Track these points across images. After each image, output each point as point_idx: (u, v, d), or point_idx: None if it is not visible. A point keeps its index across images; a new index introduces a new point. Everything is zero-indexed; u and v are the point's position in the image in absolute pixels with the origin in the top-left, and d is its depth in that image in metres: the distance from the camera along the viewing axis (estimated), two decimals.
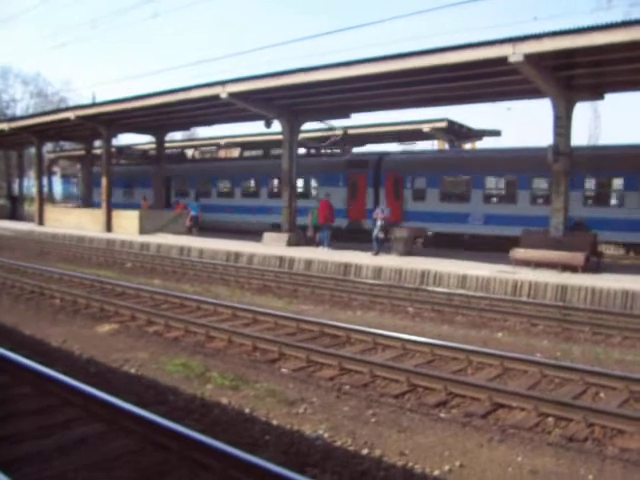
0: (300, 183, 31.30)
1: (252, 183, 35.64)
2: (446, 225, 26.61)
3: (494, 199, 26.50)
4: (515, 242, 19.45)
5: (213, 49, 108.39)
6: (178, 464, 5.47)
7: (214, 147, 43.31)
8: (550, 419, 7.23)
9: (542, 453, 6.37)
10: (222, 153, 46.83)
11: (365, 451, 6.28)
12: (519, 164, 25.14)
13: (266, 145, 39.19)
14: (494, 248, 23.36)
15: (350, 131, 33.65)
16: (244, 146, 42.49)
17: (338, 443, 6.47)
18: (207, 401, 7.64)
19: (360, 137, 35.48)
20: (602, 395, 8.22)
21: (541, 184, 25.03)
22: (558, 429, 7.01)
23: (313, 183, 32.85)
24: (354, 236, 28.35)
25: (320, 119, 27.81)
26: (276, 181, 32.96)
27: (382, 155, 31.68)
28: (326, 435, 6.66)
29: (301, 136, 27.79)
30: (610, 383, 8.39)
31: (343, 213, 29.64)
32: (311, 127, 30.37)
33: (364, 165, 30.68)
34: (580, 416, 7.08)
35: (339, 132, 31.48)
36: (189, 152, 46.03)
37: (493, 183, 26.90)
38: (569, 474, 5.91)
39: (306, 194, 31.94)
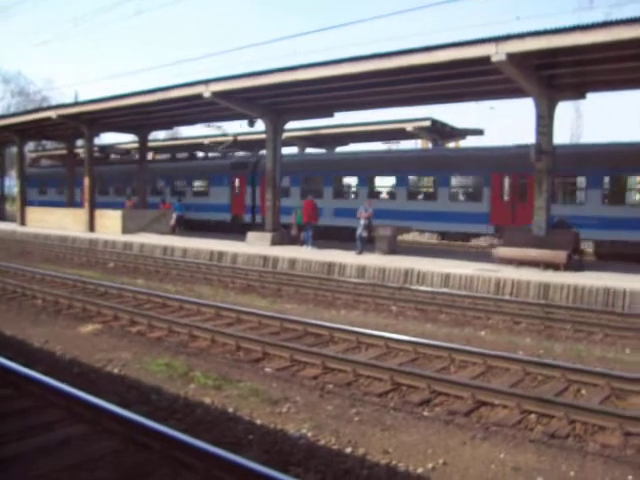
0: (200, 183, 37.09)
1: (179, 184, 38.70)
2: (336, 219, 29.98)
3: (344, 195, 30.72)
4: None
5: (197, 47, 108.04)
6: (161, 464, 5.44)
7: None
8: (532, 416, 7.29)
9: (524, 450, 6.42)
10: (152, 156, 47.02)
11: (349, 450, 6.29)
12: (364, 165, 29.62)
13: (250, 144, 39.23)
14: (341, 237, 27.34)
15: (333, 130, 33.78)
16: (237, 144, 42.37)
17: (322, 442, 6.48)
18: (190, 401, 7.62)
19: (343, 136, 35.56)
20: (584, 392, 8.29)
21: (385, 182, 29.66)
22: (540, 426, 7.06)
23: (207, 183, 36.41)
24: (237, 229, 32.13)
25: (303, 118, 27.84)
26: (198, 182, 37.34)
27: (259, 158, 34.46)
28: (309, 434, 6.66)
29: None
30: (591, 380, 8.47)
31: (227, 209, 34.57)
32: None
33: (244, 167, 34.41)
34: (562, 413, 7.14)
35: (231, 138, 37.13)
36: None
37: (341, 182, 31.11)
38: (551, 470, 5.95)
39: (206, 192, 36.14)
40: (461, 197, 27.69)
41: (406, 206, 27.59)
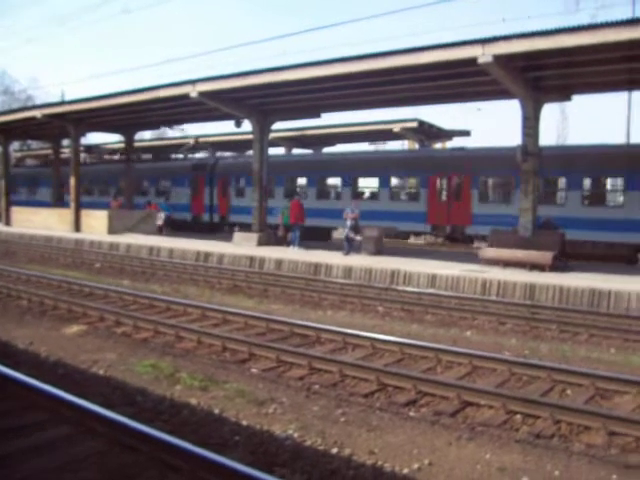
0: (164, 184, 37.96)
1: (145, 184, 39.43)
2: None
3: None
4: None
5: (185, 47, 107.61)
6: (147, 466, 5.42)
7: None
8: (518, 416, 7.31)
9: (510, 450, 6.44)
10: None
11: (335, 450, 6.29)
12: (316, 167, 30.96)
13: (236, 145, 39.31)
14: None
15: (320, 131, 33.81)
16: (214, 146, 42.45)
17: (308, 443, 6.47)
18: (176, 402, 7.60)
19: (329, 137, 35.60)
20: (569, 392, 8.33)
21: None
22: (526, 426, 7.09)
23: (169, 184, 37.51)
24: (197, 227, 34.38)
25: (291, 118, 27.86)
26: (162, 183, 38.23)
27: (217, 160, 37.13)
28: (296, 435, 6.65)
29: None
30: (577, 380, 8.51)
31: (188, 208, 35.86)
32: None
33: (203, 168, 35.84)
34: (547, 413, 7.17)
35: (191, 140, 39.04)
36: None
37: (291, 182, 32.07)
38: (536, 470, 5.97)
39: (168, 193, 37.03)
40: (402, 197, 28.96)
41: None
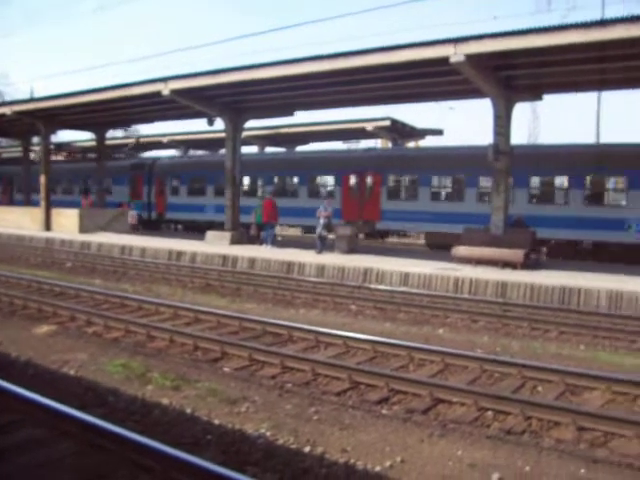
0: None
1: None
2: (191, 214, 34.20)
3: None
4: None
5: (158, 45, 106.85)
6: (118, 466, 5.36)
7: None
8: (489, 413, 7.36)
9: (481, 446, 6.48)
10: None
11: (307, 449, 6.28)
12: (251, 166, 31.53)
13: (209, 143, 39.16)
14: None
15: (293, 129, 33.77)
16: (188, 144, 42.25)
17: (280, 441, 6.45)
18: (148, 402, 7.53)
19: (303, 135, 35.57)
20: (540, 388, 8.41)
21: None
22: (497, 422, 7.14)
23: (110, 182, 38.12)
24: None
25: (263, 117, 27.78)
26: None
27: (155, 159, 38.96)
28: (268, 434, 6.63)
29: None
30: (547, 377, 8.59)
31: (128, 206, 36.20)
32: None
33: (142, 168, 37.62)
34: (518, 409, 7.23)
35: (133, 140, 41.01)
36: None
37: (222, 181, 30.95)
38: (507, 466, 6.01)
39: (109, 191, 37.51)
40: (320, 195, 29.85)
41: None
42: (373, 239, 29.74)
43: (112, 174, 37.40)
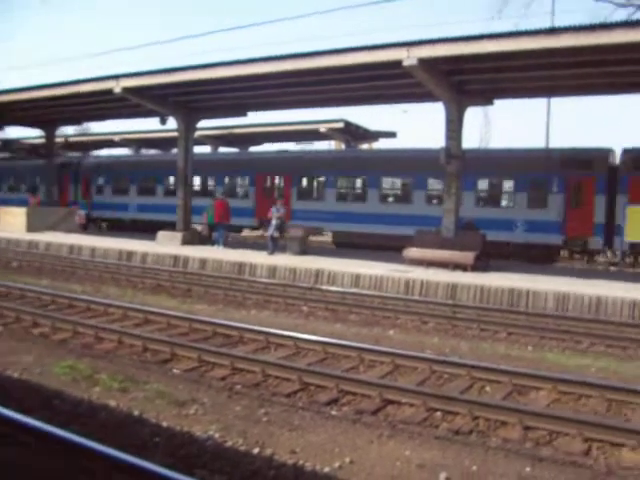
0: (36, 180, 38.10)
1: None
2: (114, 212, 35.26)
3: (145, 193, 34.23)
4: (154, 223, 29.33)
5: (109, 42, 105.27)
6: (62, 470, 5.23)
7: None
8: (438, 413, 7.41)
9: (430, 447, 6.51)
10: None
11: (256, 450, 6.23)
12: (158, 166, 33.72)
13: (162, 142, 38.76)
14: (144, 229, 30.92)
15: (246, 130, 33.66)
16: (139, 143, 41.77)
17: (229, 443, 6.39)
18: (95, 404, 7.39)
19: (256, 136, 35.46)
20: (488, 389, 8.50)
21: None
22: (445, 423, 7.19)
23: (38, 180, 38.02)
24: None
25: (216, 117, 27.59)
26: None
27: (80, 159, 40.03)
28: (217, 435, 6.56)
29: None
30: (495, 377, 8.69)
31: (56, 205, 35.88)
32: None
33: (69, 166, 37.93)
34: (466, 410, 7.29)
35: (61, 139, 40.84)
36: None
37: (143, 181, 34.62)
38: (454, 466, 6.05)
39: (34, 189, 36.70)
40: (236, 194, 30.85)
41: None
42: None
43: (40, 173, 37.10)
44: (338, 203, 27.59)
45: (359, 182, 28.06)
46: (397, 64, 16.86)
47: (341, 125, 31.08)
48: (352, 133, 32.65)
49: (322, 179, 29.08)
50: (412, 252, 19.19)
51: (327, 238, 30.49)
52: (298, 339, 10.34)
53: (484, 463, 6.14)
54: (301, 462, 5.99)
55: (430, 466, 6.03)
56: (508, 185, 24.76)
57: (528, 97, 25.89)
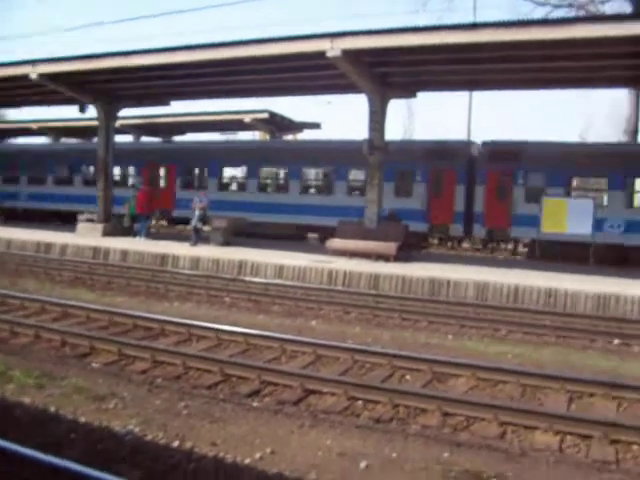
0: None
1: None
2: (30, 202, 33.80)
3: (60, 183, 33.41)
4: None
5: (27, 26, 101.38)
6: None
7: None
8: (359, 402, 7.48)
9: (351, 436, 6.56)
10: None
11: (176, 444, 6.14)
12: (71, 158, 33.09)
13: (82, 131, 37.73)
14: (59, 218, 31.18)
15: (169, 119, 33.15)
16: (59, 131, 40.50)
17: (149, 437, 6.29)
18: (8, 402, 7.12)
19: (180, 126, 34.94)
20: (408, 377, 8.63)
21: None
22: (367, 411, 7.27)
23: None
24: None
25: (138, 105, 27.01)
26: None
27: None
28: (137, 430, 6.44)
29: None
30: (416, 366, 8.84)
31: None
32: None
33: None
34: (387, 398, 7.38)
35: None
36: None
37: (58, 171, 33.85)
38: (375, 454, 6.11)
39: None
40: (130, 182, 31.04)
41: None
42: (172, 227, 31.73)
43: None
44: (220, 193, 27.86)
45: (281, 173, 28.29)
46: (321, 55, 16.90)
47: (266, 116, 30.92)
48: (277, 124, 32.54)
49: (204, 169, 29.38)
50: (335, 243, 19.30)
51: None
52: (220, 331, 10.26)
53: (404, 450, 6.23)
54: (222, 454, 5.94)
55: (351, 454, 6.07)
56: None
57: (450, 90, 26.47)
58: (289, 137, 37.51)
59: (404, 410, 7.26)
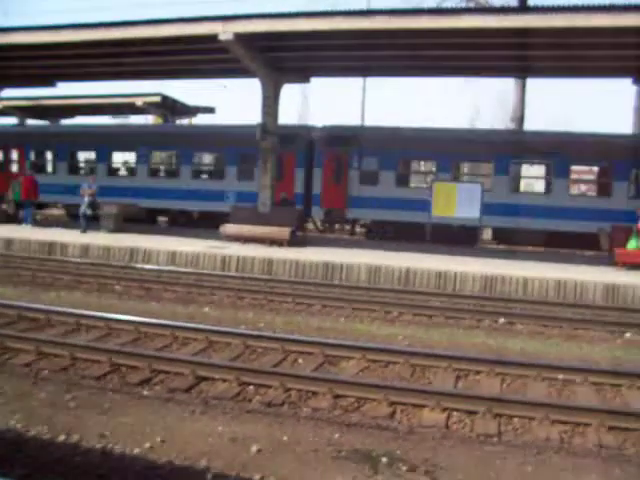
0: None
1: None
2: None
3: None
4: None
5: None
6: None
7: None
8: (251, 387, 7.51)
9: (242, 420, 6.60)
10: None
11: (62, 437, 6.00)
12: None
13: None
14: None
15: (57, 102, 31.84)
16: None
17: (32, 433, 6.09)
18: None
19: (68, 108, 33.63)
20: (300, 361, 8.72)
21: None
22: (258, 396, 7.31)
23: None
24: None
25: (21, 86, 25.86)
26: None
27: None
28: (19, 426, 6.22)
29: None
30: (307, 349, 8.95)
31: None
32: None
33: None
34: (278, 382, 7.45)
35: None
36: None
37: None
38: (266, 437, 6.17)
39: None
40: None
41: None
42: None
43: None
44: (69, 176, 27.46)
45: (173, 158, 28.02)
46: (213, 38, 16.66)
47: (158, 99, 30.20)
48: (170, 107, 31.85)
49: (54, 153, 28.90)
50: (229, 228, 19.19)
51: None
52: (110, 319, 10.01)
53: (295, 433, 6.32)
54: (110, 445, 5.85)
55: (242, 439, 6.10)
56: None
57: (345, 76, 26.79)
58: (184, 121, 36.86)
59: (296, 394, 7.34)
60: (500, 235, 23.19)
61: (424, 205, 20.44)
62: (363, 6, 37.04)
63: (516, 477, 5.63)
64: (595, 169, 24.15)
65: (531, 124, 40.64)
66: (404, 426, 6.66)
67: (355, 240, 23.07)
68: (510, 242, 22.68)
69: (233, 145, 24.31)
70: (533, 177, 27.11)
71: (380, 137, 23.28)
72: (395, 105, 72.85)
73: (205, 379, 7.70)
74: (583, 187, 28.27)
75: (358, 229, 25.47)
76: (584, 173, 27.42)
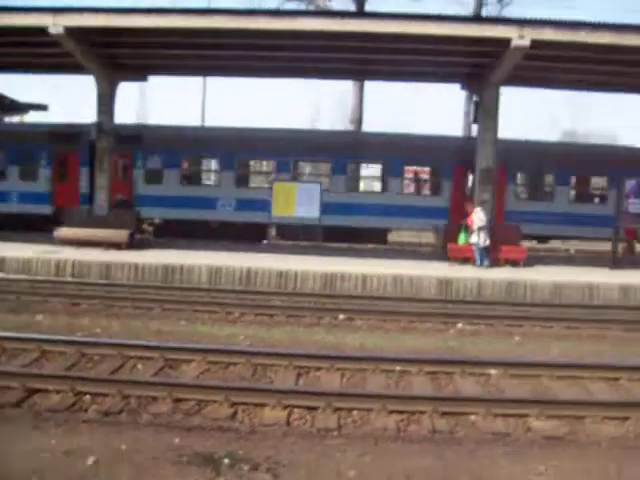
0: None
1: None
2: None
3: None
4: None
5: None
6: None
7: None
8: (87, 397, 7.22)
9: (78, 432, 6.35)
10: None
11: None
12: None
13: None
14: None
15: None
16: None
17: None
18: None
19: None
20: (140, 366, 8.51)
21: None
22: (95, 405, 7.06)
23: None
24: None
25: None
26: None
27: None
28: None
29: None
30: (147, 354, 8.75)
31: None
32: None
33: None
34: (115, 390, 7.22)
35: None
36: None
37: None
38: (103, 447, 5.96)
39: None
40: None
41: None
42: None
43: None
44: None
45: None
46: (44, 31, 15.84)
47: None
48: None
49: None
50: (63, 232, 18.33)
51: None
52: None
53: (134, 441, 6.16)
54: None
55: (78, 451, 5.86)
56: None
57: (185, 75, 26.49)
58: (15, 119, 34.75)
59: (135, 400, 7.16)
60: (339, 233, 23.71)
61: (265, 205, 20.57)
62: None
63: (355, 468, 5.80)
64: (427, 169, 25.31)
65: (371, 126, 41.92)
66: (246, 426, 6.70)
67: (199, 242, 22.82)
68: (350, 240, 23.33)
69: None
70: (370, 177, 27.98)
71: (164, 136, 22.98)
72: (238, 105, 72.86)
73: (38, 391, 7.29)
74: (414, 186, 29.47)
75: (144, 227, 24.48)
76: (420, 173, 28.62)
